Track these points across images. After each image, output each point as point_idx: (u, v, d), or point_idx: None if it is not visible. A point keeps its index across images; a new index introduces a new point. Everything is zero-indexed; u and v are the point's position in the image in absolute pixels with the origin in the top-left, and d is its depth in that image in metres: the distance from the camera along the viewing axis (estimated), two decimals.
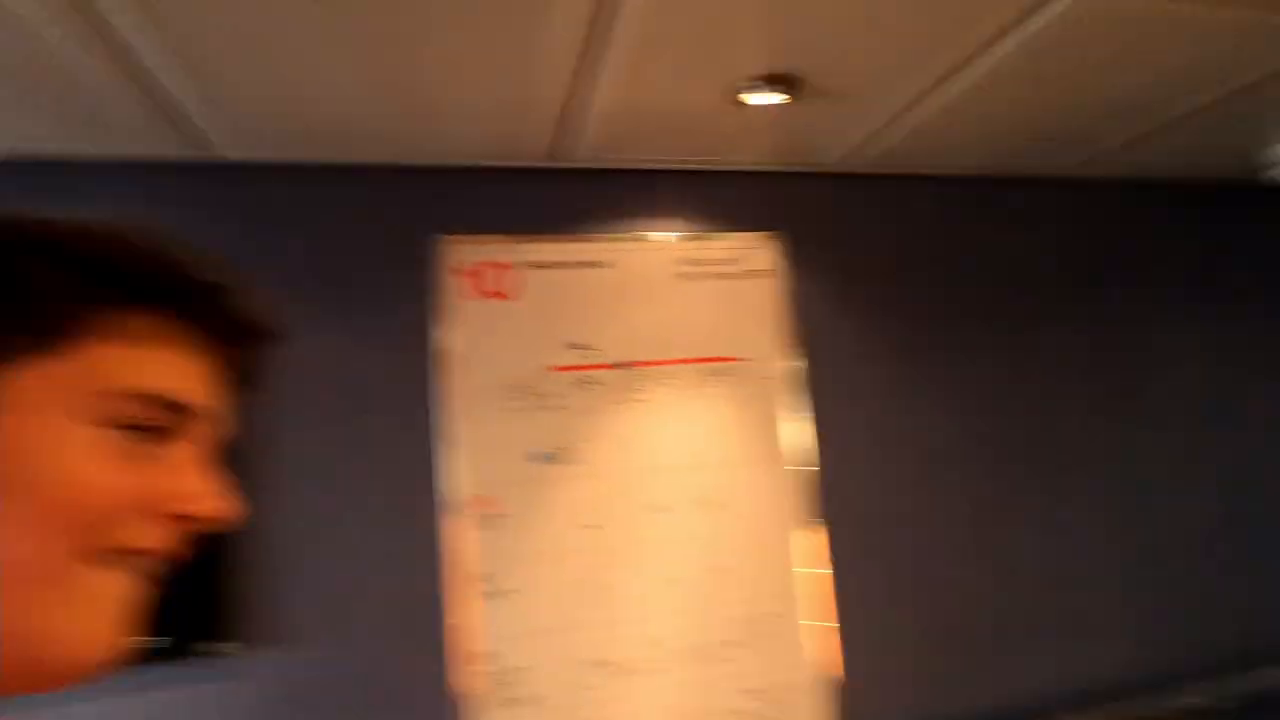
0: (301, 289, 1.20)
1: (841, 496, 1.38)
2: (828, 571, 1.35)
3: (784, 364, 1.41)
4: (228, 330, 0.34)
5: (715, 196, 1.44)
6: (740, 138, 1.31)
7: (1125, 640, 1.52)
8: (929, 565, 1.42)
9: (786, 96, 1.14)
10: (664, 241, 1.39)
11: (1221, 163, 1.65)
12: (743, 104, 1.17)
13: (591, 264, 1.34)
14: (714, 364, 1.38)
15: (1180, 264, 1.73)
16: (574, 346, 1.31)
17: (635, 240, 1.37)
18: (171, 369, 0.31)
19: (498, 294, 1.29)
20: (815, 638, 1.33)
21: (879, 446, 1.44)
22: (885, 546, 1.40)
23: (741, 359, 1.40)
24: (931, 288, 1.54)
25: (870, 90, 1.18)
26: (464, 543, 1.20)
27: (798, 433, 1.39)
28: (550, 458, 1.26)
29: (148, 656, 0.98)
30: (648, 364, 1.34)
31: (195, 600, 1.06)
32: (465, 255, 1.28)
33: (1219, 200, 1.79)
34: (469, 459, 1.23)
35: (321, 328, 1.19)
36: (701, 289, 1.40)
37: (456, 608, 1.19)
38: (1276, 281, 1.83)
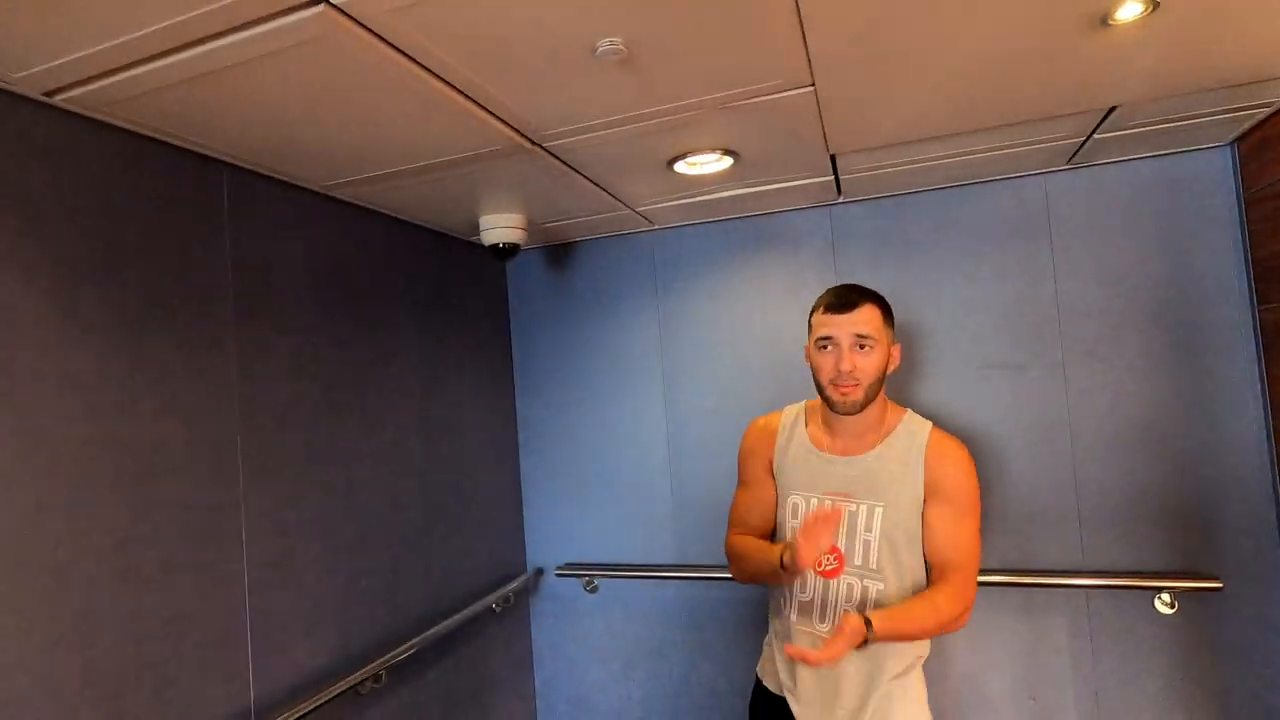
0: None
1: None
2: None
3: None
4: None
5: None
6: None
7: (336, 626, 1.66)
8: (119, 595, 1.20)
9: None
10: None
11: (450, 219, 2.05)
12: None
13: None
14: None
15: (412, 292, 2.05)
16: None
17: None
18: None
19: None
20: None
21: (56, 451, 1.14)
22: (53, 580, 1.11)
23: None
24: (169, 268, 1.34)
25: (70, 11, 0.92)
26: None
27: None
28: None
29: None
30: None
31: None
32: None
33: (449, 246, 2.22)
34: None
35: None
36: None
37: None
38: (478, 320, 2.39)
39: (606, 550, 2.44)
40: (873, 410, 1.38)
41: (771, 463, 1.50)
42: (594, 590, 2.43)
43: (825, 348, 1.37)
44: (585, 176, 1.75)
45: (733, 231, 2.30)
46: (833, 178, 1.92)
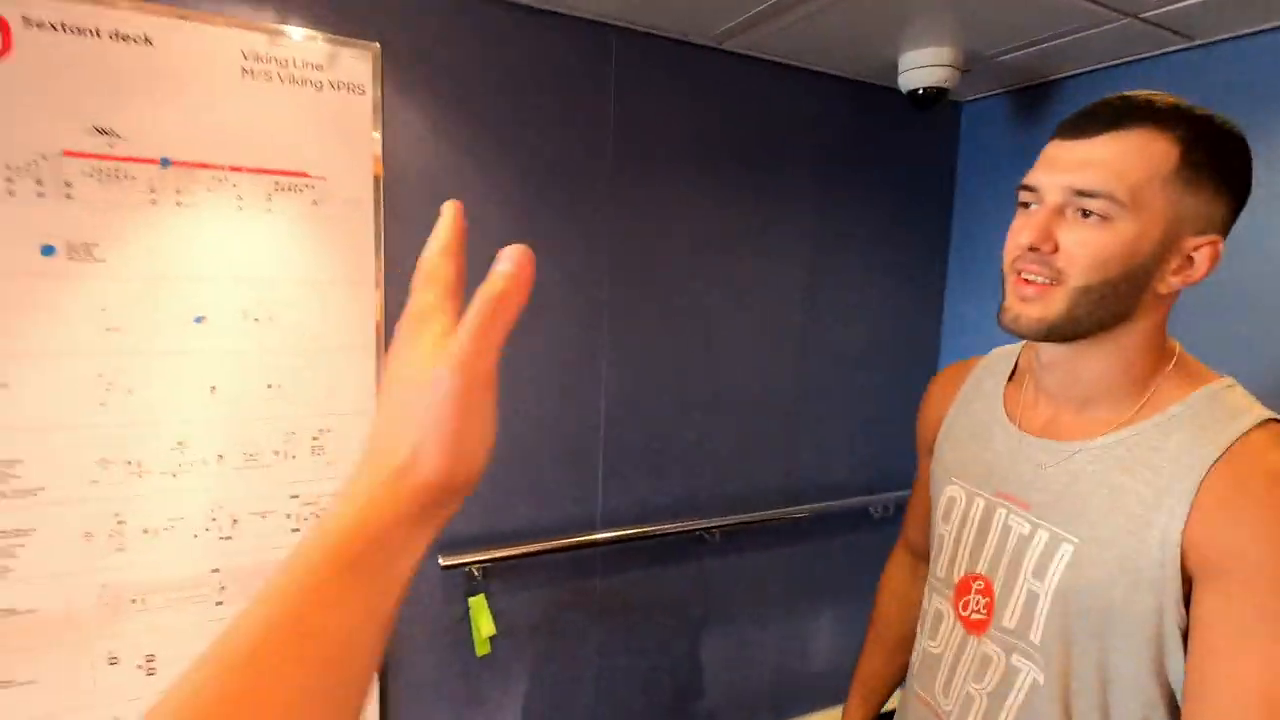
0: None
1: None
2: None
3: (370, 188, 1.36)
4: None
5: None
6: None
7: (681, 475, 1.79)
8: (500, 397, 1.54)
9: None
10: (223, 23, 1.23)
11: (863, 60, 1.72)
12: None
13: (124, 36, 1.17)
14: (284, 177, 1.30)
15: (809, 152, 1.84)
16: (99, 131, 1.17)
17: (183, 17, 1.20)
18: None
19: None
20: None
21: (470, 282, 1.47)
22: None
23: (320, 177, 1.33)
24: (557, 132, 1.52)
25: None
26: None
27: (374, 258, 1.38)
28: (58, 251, 1.17)
29: None
30: (196, 165, 1.24)
31: None
32: None
33: (867, 97, 1.88)
34: None
35: None
36: (273, 92, 1.27)
37: None
38: (907, 191, 2.02)
39: None
40: (1115, 356, 0.72)
41: (935, 436, 0.95)
42: None
43: (1026, 205, 0.75)
44: None
45: None
46: None
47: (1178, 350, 0.75)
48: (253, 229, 1.29)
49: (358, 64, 1.33)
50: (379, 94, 1.35)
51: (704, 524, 1.78)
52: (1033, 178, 0.73)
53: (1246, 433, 0.65)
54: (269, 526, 1.37)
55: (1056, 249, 0.70)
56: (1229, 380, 0.73)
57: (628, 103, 1.58)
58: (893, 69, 1.69)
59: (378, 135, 1.36)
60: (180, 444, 1.28)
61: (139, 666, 1.30)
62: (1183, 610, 0.65)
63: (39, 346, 1.17)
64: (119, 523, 1.26)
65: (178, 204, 1.23)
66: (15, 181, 1.13)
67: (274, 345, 1.33)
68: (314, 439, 1.38)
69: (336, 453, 1.40)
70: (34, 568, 1.21)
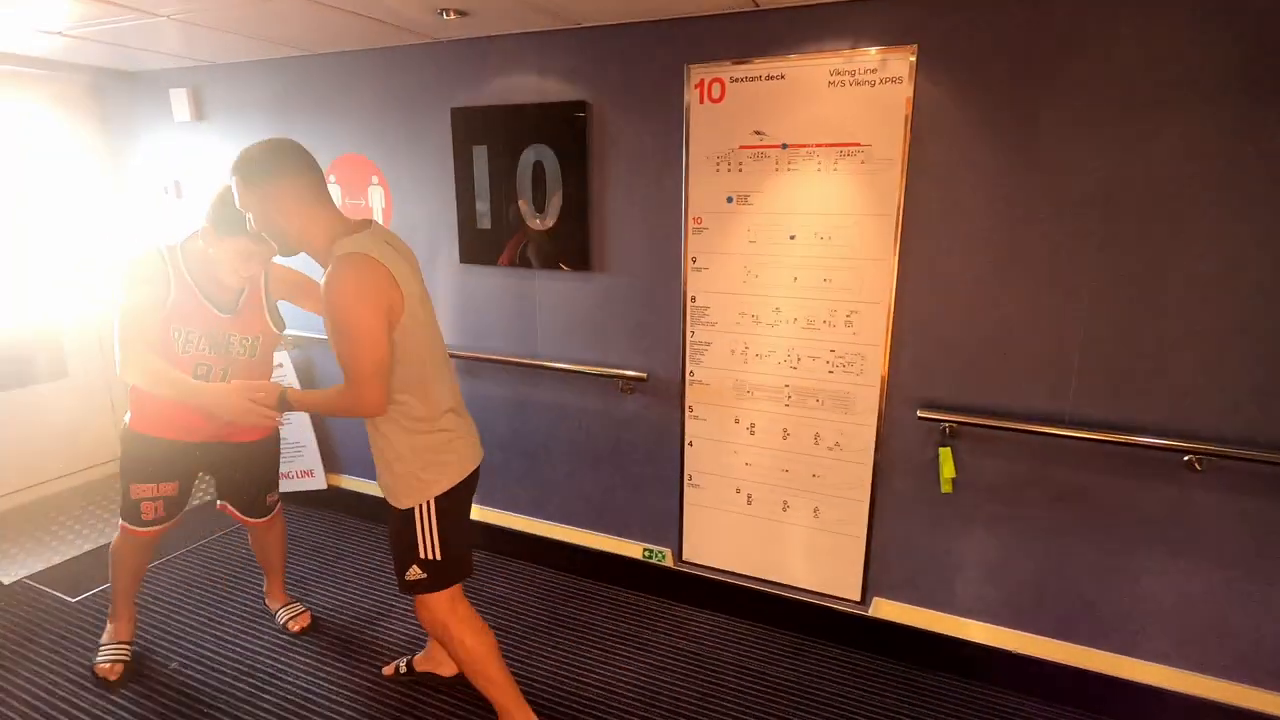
0: (626, 100, 2.32)
1: (917, 240, 2.02)
2: (893, 289, 2.08)
3: (899, 150, 1.99)
4: None
5: (865, 20, 1.94)
6: None
7: (1168, 395, 1.85)
8: (975, 293, 1.99)
9: None
10: (822, 57, 2.02)
11: None
12: None
13: (770, 77, 2.09)
14: (846, 147, 2.05)
15: None
16: (756, 133, 2.16)
17: (801, 57, 2.04)
18: None
19: (714, 99, 2.18)
20: (884, 327, 2.12)
21: (962, 212, 1.96)
22: (946, 275, 2.02)
23: (866, 145, 2.03)
24: (1043, 95, 1.80)
25: None
26: (688, 241, 2.33)
27: (896, 199, 2.02)
28: (733, 199, 2.23)
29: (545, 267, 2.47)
30: (800, 146, 2.11)
31: (572, 247, 2.47)
32: (698, 74, 2.18)
33: None
34: (694, 195, 2.29)
35: (627, 118, 2.32)
36: (846, 93, 2.02)
37: (684, 272, 2.37)
38: None
39: None
40: (315, 249, 1.58)
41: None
42: None
43: None
44: None
45: None
46: None
47: (346, 235, 1.55)
48: (825, 182, 2.10)
49: (900, 63, 1.94)
50: (914, 83, 1.93)
51: (1190, 447, 1.82)
52: None
53: (336, 260, 1.50)
54: (816, 365, 2.25)
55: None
56: (355, 240, 1.53)
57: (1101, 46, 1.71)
58: None
59: (908, 113, 1.95)
60: (776, 310, 2.26)
61: (747, 428, 2.40)
62: None
63: (721, 248, 2.29)
64: (745, 349, 2.34)
65: (788, 170, 2.14)
66: (719, 164, 2.22)
67: (830, 254, 2.14)
68: (846, 317, 2.17)
69: (860, 327, 2.16)
70: (711, 362, 2.40)
